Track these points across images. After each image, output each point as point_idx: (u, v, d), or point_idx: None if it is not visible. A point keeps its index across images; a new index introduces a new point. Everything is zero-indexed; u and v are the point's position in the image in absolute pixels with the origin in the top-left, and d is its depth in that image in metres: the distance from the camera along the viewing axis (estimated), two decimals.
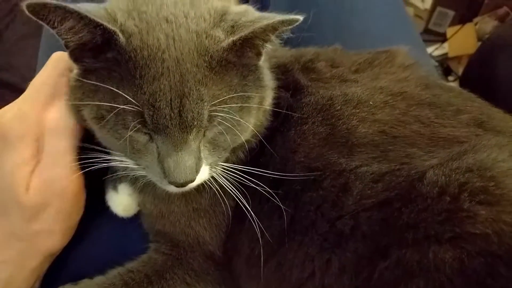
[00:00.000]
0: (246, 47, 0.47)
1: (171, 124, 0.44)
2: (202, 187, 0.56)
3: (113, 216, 0.64)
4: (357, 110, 0.53)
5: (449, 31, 1.97)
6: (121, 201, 0.62)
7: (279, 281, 0.53)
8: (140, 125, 0.45)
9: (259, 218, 0.53)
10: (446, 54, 1.99)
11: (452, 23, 2.00)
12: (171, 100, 0.44)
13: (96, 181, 0.62)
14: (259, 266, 0.54)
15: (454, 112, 0.53)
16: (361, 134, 0.51)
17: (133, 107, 0.43)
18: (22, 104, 0.52)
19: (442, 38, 2.01)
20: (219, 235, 0.60)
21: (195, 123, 0.45)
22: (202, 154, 0.49)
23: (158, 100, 0.43)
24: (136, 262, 0.60)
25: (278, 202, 0.52)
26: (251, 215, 0.52)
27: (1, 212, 0.53)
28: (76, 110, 0.50)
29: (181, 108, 0.44)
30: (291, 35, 0.50)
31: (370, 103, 0.53)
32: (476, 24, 1.91)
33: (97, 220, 0.65)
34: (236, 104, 0.48)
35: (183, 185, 0.48)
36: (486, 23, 1.86)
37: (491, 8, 1.88)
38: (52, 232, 0.55)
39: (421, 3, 2.06)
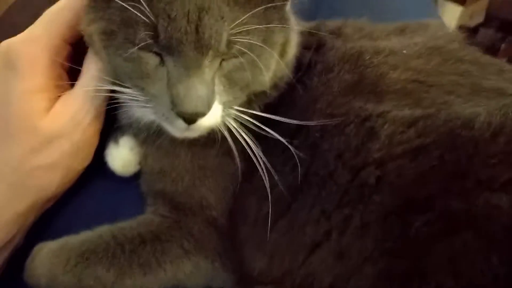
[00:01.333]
0: None
1: (186, 39, 0.40)
2: (210, 141, 0.51)
3: (110, 177, 0.58)
4: (389, 59, 0.48)
5: None
6: (121, 156, 0.56)
7: (289, 243, 0.46)
8: (151, 41, 0.41)
9: (270, 173, 0.47)
10: None
11: None
12: (189, 12, 0.40)
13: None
14: (267, 230, 0.47)
15: (497, 70, 0.48)
16: (391, 81, 0.46)
17: (146, 18, 0.40)
18: (35, 28, 0.49)
19: None
20: (225, 200, 0.53)
21: (212, 42, 0.41)
22: (216, 88, 0.44)
23: (174, 10, 0.40)
24: (129, 221, 0.53)
25: (293, 150, 0.46)
26: (263, 167, 0.46)
27: (2, 139, 0.48)
28: (90, 38, 0.47)
29: (199, 23, 0.40)
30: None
31: (404, 51, 0.49)
32: None
33: (91, 180, 0.59)
34: (259, 37, 0.44)
35: (192, 118, 0.42)
36: None
37: None
38: (54, 168, 0.50)
39: None
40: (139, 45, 0.41)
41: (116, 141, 0.56)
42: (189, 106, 0.41)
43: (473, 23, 1.88)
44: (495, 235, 0.34)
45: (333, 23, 0.58)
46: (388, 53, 0.49)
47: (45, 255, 0.49)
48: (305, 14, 0.57)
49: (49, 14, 0.50)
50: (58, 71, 0.50)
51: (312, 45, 0.54)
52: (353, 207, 0.41)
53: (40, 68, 0.48)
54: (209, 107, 0.43)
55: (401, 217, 0.38)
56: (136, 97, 0.46)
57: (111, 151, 0.57)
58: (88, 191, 0.59)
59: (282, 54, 0.48)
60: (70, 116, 0.49)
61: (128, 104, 0.52)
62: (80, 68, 0.50)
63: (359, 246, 0.40)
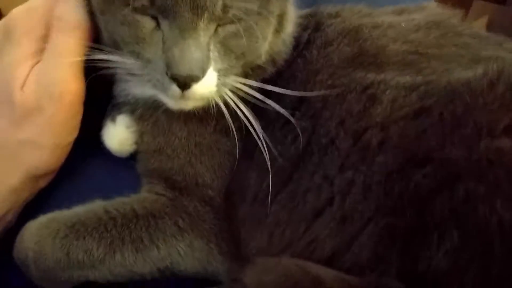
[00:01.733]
0: None
1: (182, 0, 0.40)
2: (207, 117, 0.51)
3: (106, 158, 0.57)
4: (388, 32, 0.48)
5: None
6: (118, 133, 0.55)
7: (291, 214, 0.44)
8: (148, 3, 0.41)
9: (270, 146, 0.46)
10: None
11: None
12: None
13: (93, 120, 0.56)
14: (267, 204, 0.46)
15: (496, 42, 0.48)
16: (391, 52, 0.46)
17: None
18: (33, 1, 0.49)
19: None
20: (222, 178, 0.52)
21: (208, 4, 0.41)
22: (211, 54, 0.43)
23: None
24: (123, 198, 0.52)
25: (294, 122, 0.45)
26: (263, 141, 0.45)
27: None
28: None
29: None
30: None
31: (402, 25, 0.49)
32: None
33: (87, 160, 0.58)
34: (255, 4, 0.44)
35: (186, 82, 0.42)
36: None
37: None
38: (39, 145, 0.48)
39: None
40: (135, 6, 0.41)
41: (113, 120, 0.56)
42: (183, 68, 0.41)
43: None
44: (498, 179, 0.33)
45: (331, 8, 0.58)
46: (387, 26, 0.49)
47: (34, 227, 0.48)
48: (305, 2, 0.58)
49: None
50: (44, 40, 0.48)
51: (311, 25, 0.54)
52: (356, 170, 0.41)
53: (33, 37, 0.47)
54: (203, 71, 0.42)
55: (401, 174, 0.37)
56: (131, 66, 0.45)
57: (108, 130, 0.56)
58: (84, 172, 0.58)
59: (279, 26, 0.48)
60: (41, 88, 0.46)
61: (124, 79, 0.51)
62: None
63: (361, 208, 0.39)
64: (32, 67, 0.47)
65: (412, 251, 0.36)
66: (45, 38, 0.48)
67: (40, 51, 0.48)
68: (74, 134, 0.51)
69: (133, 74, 0.47)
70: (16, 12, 0.48)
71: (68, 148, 0.52)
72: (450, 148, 0.36)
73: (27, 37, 0.47)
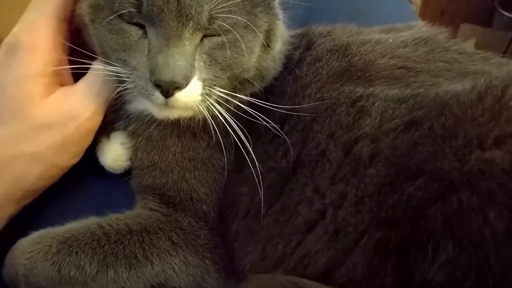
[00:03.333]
0: None
1: (168, 9, 0.41)
2: (200, 132, 0.51)
3: (100, 174, 0.57)
4: (376, 47, 0.50)
5: None
6: (112, 150, 0.55)
7: (283, 228, 0.44)
8: (135, 10, 0.42)
9: (261, 160, 0.47)
10: None
11: None
12: None
13: None
14: (260, 218, 0.46)
15: (482, 58, 0.49)
16: (380, 67, 0.47)
17: None
18: (27, 14, 0.50)
19: None
20: (216, 193, 0.52)
21: (193, 13, 0.42)
22: (196, 64, 0.44)
23: None
24: (117, 214, 0.52)
25: (283, 136, 0.46)
26: (252, 157, 0.45)
27: None
28: (81, 19, 0.48)
29: None
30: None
31: (390, 40, 0.50)
32: None
33: (81, 177, 0.58)
34: (242, 17, 0.45)
35: (168, 88, 0.42)
36: None
37: None
38: (35, 159, 0.48)
39: None
40: (122, 13, 0.42)
41: (108, 136, 0.56)
42: (166, 74, 0.41)
43: None
44: (490, 190, 0.33)
45: (322, 27, 0.60)
46: (375, 43, 0.51)
47: (26, 243, 0.47)
48: (297, 21, 0.59)
49: None
50: (58, 55, 0.49)
51: (302, 45, 0.55)
52: (347, 183, 0.41)
53: (39, 53, 0.48)
54: (187, 79, 0.43)
55: (393, 186, 0.37)
56: (118, 73, 0.46)
57: (102, 146, 0.56)
58: (78, 189, 0.58)
59: (267, 42, 0.49)
60: (67, 109, 0.48)
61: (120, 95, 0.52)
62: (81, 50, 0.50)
63: (354, 221, 0.39)
64: (47, 82, 0.48)
65: (407, 263, 0.36)
66: (50, 51, 0.49)
67: (48, 65, 0.48)
68: (76, 159, 0.52)
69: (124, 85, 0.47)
70: (17, 31, 0.49)
71: (64, 171, 0.52)
72: (442, 160, 0.36)
73: (32, 55, 0.48)
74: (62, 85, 0.51)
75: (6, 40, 0.49)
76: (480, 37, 1.97)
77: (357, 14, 0.76)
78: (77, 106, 0.49)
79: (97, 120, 0.51)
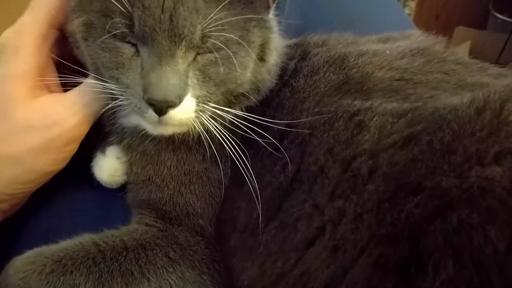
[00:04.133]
0: None
1: (160, 28, 0.41)
2: (195, 146, 0.51)
3: (96, 189, 0.57)
4: (373, 59, 0.49)
5: None
6: (108, 165, 0.55)
7: (282, 244, 0.43)
8: (127, 30, 0.42)
9: (259, 175, 0.46)
10: None
11: None
12: (164, 2, 0.41)
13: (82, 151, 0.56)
14: (258, 234, 0.45)
15: (480, 68, 0.49)
16: (377, 79, 0.47)
17: (123, 8, 0.41)
18: (24, 16, 0.49)
19: None
20: (212, 207, 0.51)
21: (186, 32, 0.41)
22: (189, 81, 0.43)
23: (149, 0, 0.41)
24: (112, 230, 0.51)
25: (282, 150, 0.45)
26: (249, 172, 0.45)
27: None
28: (73, 36, 0.47)
29: (173, 12, 0.41)
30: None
31: (387, 52, 0.50)
32: None
33: (76, 192, 0.57)
34: (235, 34, 0.44)
35: (161, 107, 0.42)
36: None
37: None
38: (13, 161, 0.46)
39: None
40: (115, 33, 0.42)
41: (103, 151, 0.55)
42: (159, 93, 0.41)
43: None
44: (491, 208, 0.32)
45: (318, 37, 0.60)
46: (372, 54, 0.50)
47: (20, 263, 0.46)
48: (292, 30, 0.59)
49: (35, 1, 0.50)
50: (43, 60, 0.49)
51: (297, 55, 0.55)
52: (346, 199, 0.40)
53: (24, 55, 0.47)
54: (179, 97, 0.42)
55: (392, 203, 0.37)
56: (111, 90, 0.45)
57: (98, 161, 0.55)
58: (73, 205, 0.57)
59: (261, 55, 0.49)
60: (52, 112, 0.47)
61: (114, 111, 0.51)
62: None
63: (353, 238, 0.38)
64: (30, 84, 0.47)
65: (407, 281, 0.35)
66: (36, 54, 0.48)
67: (32, 68, 0.48)
68: (60, 166, 0.51)
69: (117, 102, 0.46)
70: (7, 32, 0.49)
71: (44, 178, 0.50)
72: (440, 176, 0.35)
73: (17, 56, 0.47)
74: (49, 91, 0.50)
75: None
76: (475, 40, 1.98)
77: (351, 22, 0.76)
78: (64, 111, 0.48)
79: (83, 129, 0.50)
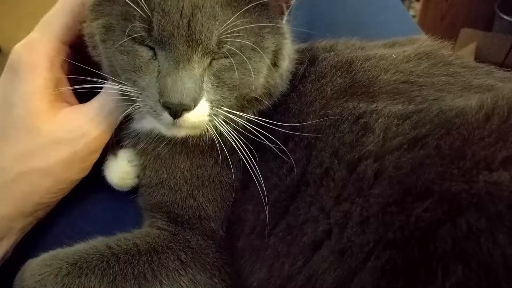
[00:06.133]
0: None
1: (178, 33, 0.42)
2: (208, 150, 0.52)
3: (107, 192, 0.58)
4: (379, 63, 0.50)
5: None
6: (119, 168, 0.56)
7: (289, 247, 0.44)
8: (146, 33, 0.43)
9: (266, 177, 0.47)
10: None
11: None
12: (183, 8, 0.42)
13: None
14: (265, 236, 0.46)
15: (485, 71, 0.50)
16: (383, 82, 0.48)
17: (142, 12, 0.42)
18: (34, 32, 0.51)
19: None
20: (223, 210, 0.52)
21: (202, 38, 0.43)
22: (204, 85, 0.44)
23: (169, 5, 0.42)
24: (125, 233, 0.52)
25: (287, 153, 0.46)
26: (258, 173, 0.46)
27: (1, 139, 0.48)
28: (90, 37, 0.49)
29: (191, 18, 0.42)
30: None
31: (393, 56, 0.50)
32: None
33: (89, 195, 0.59)
34: (250, 40, 0.45)
35: (177, 110, 0.43)
36: None
37: None
38: (44, 174, 0.49)
39: None
40: (134, 36, 0.43)
41: (115, 154, 0.56)
42: (175, 97, 0.42)
43: None
44: (499, 213, 0.32)
45: (326, 42, 0.61)
46: (378, 58, 0.51)
47: (36, 265, 0.47)
48: (300, 35, 0.60)
49: (47, 17, 0.52)
50: (56, 74, 0.50)
51: (306, 60, 0.56)
52: (352, 202, 0.40)
53: (39, 71, 0.49)
54: (194, 101, 0.43)
55: (400, 207, 0.37)
56: (128, 92, 0.46)
57: (109, 164, 0.56)
58: (85, 208, 0.58)
59: (275, 61, 0.50)
60: (77, 125, 0.49)
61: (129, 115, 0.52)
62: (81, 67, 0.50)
63: (360, 241, 0.39)
64: (48, 99, 0.49)
65: (417, 286, 0.35)
66: (50, 69, 0.50)
67: (48, 82, 0.49)
68: (85, 173, 0.53)
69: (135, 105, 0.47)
70: (18, 49, 0.50)
71: (73, 185, 0.53)
72: (450, 181, 0.36)
73: (32, 73, 0.49)
74: (66, 103, 0.52)
75: (8, 59, 0.50)
76: (481, 41, 1.98)
77: (358, 27, 0.77)
78: (87, 124, 0.50)
79: (106, 138, 0.52)
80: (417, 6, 2.11)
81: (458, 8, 2.06)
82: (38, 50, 0.49)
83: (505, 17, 1.97)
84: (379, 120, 0.43)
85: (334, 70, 0.51)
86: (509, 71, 0.50)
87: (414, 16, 2.20)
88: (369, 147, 0.42)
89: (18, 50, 0.49)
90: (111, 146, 0.57)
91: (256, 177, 0.46)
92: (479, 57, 1.98)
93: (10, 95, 0.48)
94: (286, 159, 0.47)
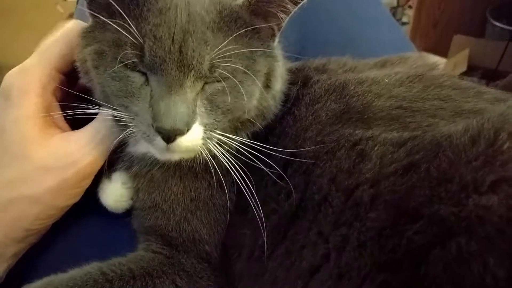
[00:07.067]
0: (261, 12, 0.47)
1: (169, 59, 0.42)
2: (202, 172, 0.52)
3: (102, 215, 0.58)
4: (372, 88, 0.50)
5: None
6: (113, 190, 0.56)
7: (287, 271, 0.44)
8: (138, 60, 0.43)
9: (264, 202, 0.47)
10: None
11: None
12: (174, 34, 0.43)
13: None
14: (263, 261, 0.46)
15: (476, 92, 0.50)
16: (377, 108, 0.48)
17: (134, 39, 0.42)
18: (30, 58, 0.51)
19: None
20: (217, 233, 0.52)
21: (194, 63, 0.43)
22: (197, 110, 0.45)
23: (160, 31, 0.42)
24: (119, 258, 0.52)
25: (286, 179, 0.46)
26: (255, 200, 0.46)
27: None
28: (82, 63, 0.49)
29: (183, 44, 0.43)
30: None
31: (385, 80, 0.51)
32: None
33: (82, 217, 0.58)
34: (241, 64, 0.46)
35: (170, 135, 0.43)
36: None
37: None
38: (32, 201, 0.49)
39: None
40: (126, 63, 0.43)
41: (109, 177, 0.56)
42: (168, 122, 0.42)
43: (456, 73, 1.97)
44: (489, 236, 0.33)
45: (318, 61, 0.61)
46: (371, 82, 0.51)
47: None
48: (290, 51, 0.60)
49: (44, 46, 0.52)
50: (48, 101, 0.50)
51: (299, 80, 0.56)
52: (350, 227, 0.41)
53: (30, 96, 0.49)
54: (188, 125, 0.43)
55: (394, 230, 0.38)
56: (121, 117, 0.46)
57: (103, 186, 0.56)
58: (80, 230, 0.58)
59: (267, 83, 0.50)
60: (68, 152, 0.49)
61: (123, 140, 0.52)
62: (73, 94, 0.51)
63: (357, 265, 0.39)
64: (39, 125, 0.49)
65: None
66: (42, 96, 0.50)
67: (40, 109, 0.49)
68: (76, 199, 0.53)
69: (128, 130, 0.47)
70: (12, 74, 0.50)
71: (63, 211, 0.53)
72: (438, 204, 0.36)
73: (24, 98, 0.49)
74: (59, 129, 0.52)
75: (2, 84, 0.50)
76: (474, 48, 1.99)
77: (348, 43, 0.78)
78: (78, 151, 0.49)
79: (98, 164, 0.52)
80: (410, 13, 2.13)
81: (451, 15, 2.08)
82: (31, 76, 0.50)
83: (497, 23, 1.99)
84: (375, 148, 0.43)
85: (327, 94, 0.51)
86: (499, 90, 0.51)
87: (407, 23, 2.21)
88: (366, 174, 0.42)
89: (12, 76, 0.50)
90: (106, 169, 0.58)
91: (252, 201, 0.46)
92: (473, 63, 2.00)
93: (2, 120, 0.48)
94: (284, 184, 0.47)
